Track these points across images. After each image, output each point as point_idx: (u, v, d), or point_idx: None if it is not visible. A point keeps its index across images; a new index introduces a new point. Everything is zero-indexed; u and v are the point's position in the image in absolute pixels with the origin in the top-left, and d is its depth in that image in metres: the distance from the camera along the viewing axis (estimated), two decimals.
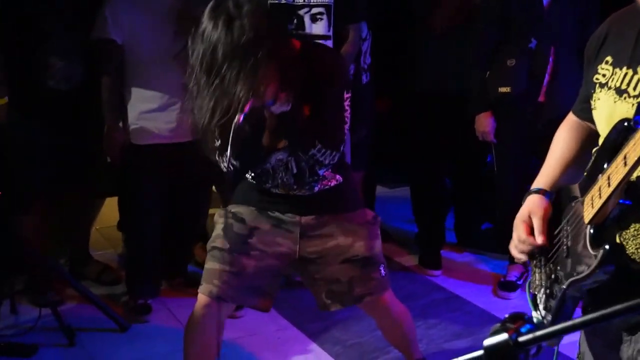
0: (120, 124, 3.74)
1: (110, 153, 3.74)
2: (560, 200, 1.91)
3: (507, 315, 1.12)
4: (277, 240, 2.71)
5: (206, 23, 2.38)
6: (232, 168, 2.56)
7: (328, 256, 2.73)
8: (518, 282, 4.04)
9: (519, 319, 1.11)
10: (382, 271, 2.78)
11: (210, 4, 2.42)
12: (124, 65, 3.66)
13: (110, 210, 4.25)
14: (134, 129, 3.68)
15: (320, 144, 2.54)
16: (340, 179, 2.75)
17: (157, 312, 3.78)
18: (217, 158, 2.59)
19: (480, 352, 1.09)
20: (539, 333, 1.07)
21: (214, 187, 4.21)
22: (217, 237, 2.71)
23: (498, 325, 1.10)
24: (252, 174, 2.71)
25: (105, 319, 3.59)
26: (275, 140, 2.61)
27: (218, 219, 2.77)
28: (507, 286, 4.04)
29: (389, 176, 5.52)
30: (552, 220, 1.88)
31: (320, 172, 2.67)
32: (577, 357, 2.04)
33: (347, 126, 2.65)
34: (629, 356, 1.79)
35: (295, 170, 2.65)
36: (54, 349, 3.40)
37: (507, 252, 2.02)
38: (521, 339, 1.07)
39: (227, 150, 2.47)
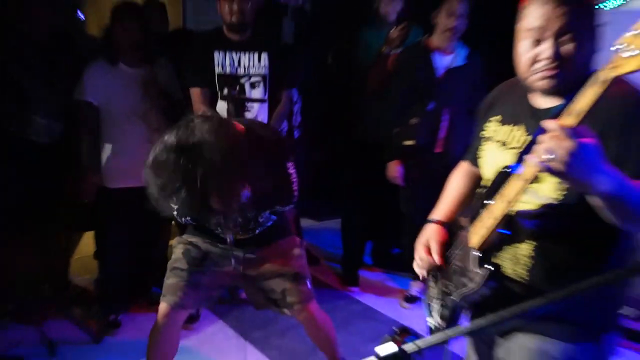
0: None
1: (85, 194, 3.71)
2: (452, 229, 1.95)
3: (395, 328, 1.16)
4: (225, 262, 2.79)
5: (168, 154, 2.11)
6: (186, 221, 2.68)
7: (266, 274, 2.83)
8: (419, 296, 4.10)
9: (404, 332, 1.15)
10: (308, 284, 2.87)
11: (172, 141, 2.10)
12: (100, 122, 3.66)
13: (88, 241, 4.21)
14: (108, 175, 3.70)
15: (278, 206, 2.68)
16: (275, 217, 2.81)
17: (125, 326, 3.77)
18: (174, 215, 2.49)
19: (372, 358, 1.17)
20: (419, 342, 1.15)
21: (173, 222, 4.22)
22: (177, 260, 2.78)
23: (388, 336, 1.15)
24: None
25: (82, 333, 3.58)
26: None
27: (177, 244, 2.84)
28: (410, 299, 4.14)
29: (318, 211, 5.58)
30: (446, 244, 1.93)
31: (261, 219, 2.73)
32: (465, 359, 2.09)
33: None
34: (501, 358, 1.85)
35: (241, 220, 2.69)
36: None
37: (411, 271, 2.06)
38: (405, 347, 1.13)
39: (184, 217, 2.56)
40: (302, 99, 4.24)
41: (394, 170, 3.98)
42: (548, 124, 1.39)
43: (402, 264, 4.33)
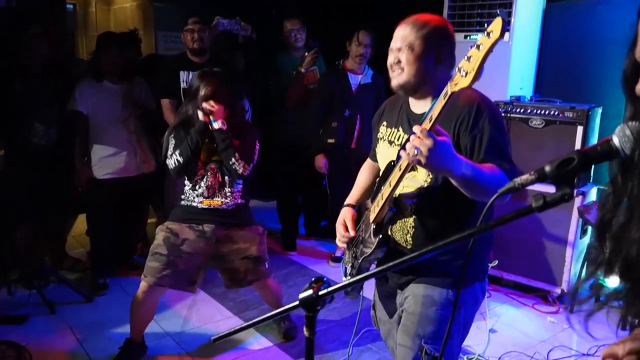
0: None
1: (79, 184, 3.58)
2: (360, 210, 1.96)
3: (313, 279, 1.15)
4: (200, 245, 2.72)
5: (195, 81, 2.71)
6: (177, 164, 2.65)
7: (233, 254, 2.78)
8: (342, 257, 4.08)
9: (319, 281, 1.14)
10: (267, 265, 2.86)
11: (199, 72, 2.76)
12: (89, 127, 3.54)
13: (82, 222, 4.07)
14: (96, 168, 3.59)
15: (238, 155, 2.62)
16: (243, 201, 2.81)
17: (112, 288, 3.66)
18: (169, 159, 2.69)
19: (296, 302, 1.15)
20: (330, 289, 1.14)
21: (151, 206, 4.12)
22: (158, 246, 2.68)
23: (307, 285, 1.15)
24: (190, 184, 2.74)
25: (77, 294, 3.44)
26: (211, 155, 2.71)
27: (159, 232, 2.74)
28: (336, 259, 4.14)
29: (264, 193, 5.52)
30: (357, 222, 1.92)
31: (235, 187, 2.74)
32: (372, 305, 2.10)
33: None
34: (400, 302, 1.86)
35: (220, 179, 2.71)
36: (39, 317, 3.23)
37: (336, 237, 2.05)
38: (320, 293, 1.13)
39: (176, 150, 2.65)
40: (252, 108, 4.18)
41: (320, 161, 4.01)
42: (414, 128, 1.44)
43: (328, 233, 4.31)
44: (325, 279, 1.16)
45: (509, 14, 3.53)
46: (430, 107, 1.52)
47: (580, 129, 3.30)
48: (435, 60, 1.66)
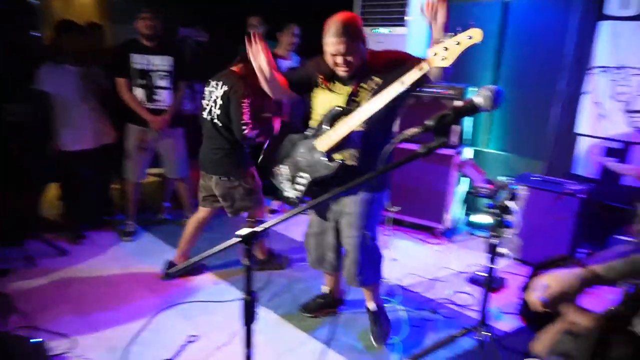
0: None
1: (52, 155, 3.28)
2: (282, 143, 2.09)
3: (248, 218, 1.14)
4: None
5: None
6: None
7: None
8: (278, 209, 4.04)
9: (255, 222, 1.14)
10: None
11: None
12: (52, 104, 3.23)
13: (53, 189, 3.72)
14: (65, 141, 3.30)
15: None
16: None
17: (85, 241, 3.41)
18: None
19: (237, 239, 1.12)
20: (266, 225, 1.12)
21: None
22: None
23: (245, 225, 1.14)
24: None
25: (51, 248, 3.22)
26: None
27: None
28: (272, 212, 4.02)
29: None
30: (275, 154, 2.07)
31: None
32: (309, 224, 2.23)
33: None
34: (337, 209, 2.10)
35: None
36: (20, 270, 2.99)
37: (271, 195, 2.10)
38: (257, 229, 1.11)
39: None
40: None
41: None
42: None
43: (265, 192, 4.31)
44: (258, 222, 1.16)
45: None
46: None
47: (458, 102, 3.44)
48: (363, 43, 1.89)
